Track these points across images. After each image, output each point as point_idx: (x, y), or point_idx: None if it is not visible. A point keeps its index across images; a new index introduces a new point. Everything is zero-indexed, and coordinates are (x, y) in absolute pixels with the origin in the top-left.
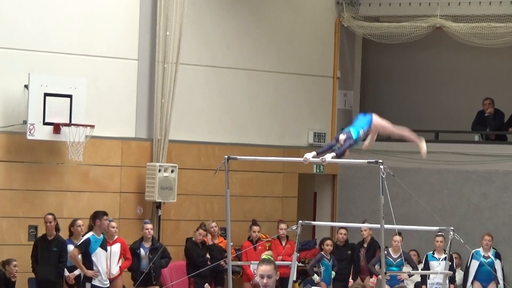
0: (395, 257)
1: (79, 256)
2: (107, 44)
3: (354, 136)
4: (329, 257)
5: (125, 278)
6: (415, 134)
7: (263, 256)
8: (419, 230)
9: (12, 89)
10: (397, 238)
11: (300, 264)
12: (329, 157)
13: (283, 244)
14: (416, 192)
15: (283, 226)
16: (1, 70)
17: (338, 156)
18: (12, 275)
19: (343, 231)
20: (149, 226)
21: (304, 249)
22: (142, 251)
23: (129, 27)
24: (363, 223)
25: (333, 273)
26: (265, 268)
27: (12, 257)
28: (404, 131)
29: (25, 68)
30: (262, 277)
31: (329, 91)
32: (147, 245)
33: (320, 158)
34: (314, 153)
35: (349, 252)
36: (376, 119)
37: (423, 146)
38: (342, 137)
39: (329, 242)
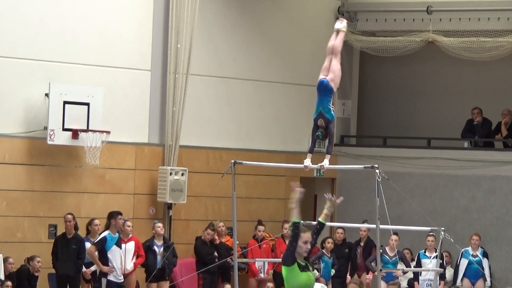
0: (391, 255)
1: (96, 253)
2: (122, 56)
3: (330, 117)
4: (329, 255)
5: (139, 274)
6: None
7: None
8: (412, 230)
9: (34, 97)
10: (394, 237)
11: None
12: (326, 163)
13: (287, 242)
14: (409, 194)
15: (287, 226)
16: (23, 79)
17: (330, 152)
18: (35, 270)
19: (340, 230)
20: (160, 224)
21: None
22: (156, 249)
23: (142, 40)
24: (363, 223)
25: (333, 270)
26: (308, 235)
27: (33, 254)
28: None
29: (46, 77)
30: (306, 242)
31: None
32: (160, 242)
33: (319, 165)
34: (309, 156)
35: (347, 250)
36: (328, 78)
37: None
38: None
39: (329, 240)
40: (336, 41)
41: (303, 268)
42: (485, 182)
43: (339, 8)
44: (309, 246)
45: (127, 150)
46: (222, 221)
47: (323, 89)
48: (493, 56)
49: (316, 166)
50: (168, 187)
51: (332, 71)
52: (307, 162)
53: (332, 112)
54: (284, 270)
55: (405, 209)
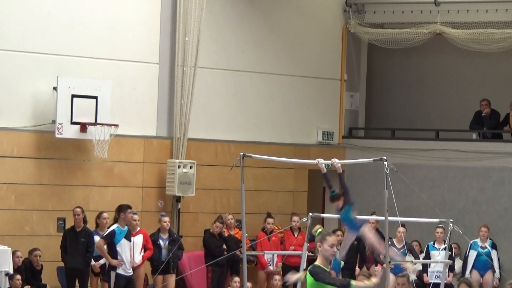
0: (399, 247)
1: (105, 247)
2: (130, 49)
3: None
4: (339, 247)
5: (147, 267)
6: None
7: (319, 229)
8: (421, 222)
9: (42, 91)
10: (401, 229)
11: (310, 254)
12: (337, 160)
13: (296, 235)
14: (418, 186)
15: (296, 218)
16: (31, 73)
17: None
18: (36, 264)
19: None
20: (166, 219)
21: (313, 239)
22: (161, 242)
23: (150, 33)
24: (372, 215)
25: (342, 262)
26: (334, 238)
27: (42, 247)
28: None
29: (54, 71)
30: (332, 246)
31: (336, 93)
32: (165, 236)
33: (331, 160)
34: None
35: (356, 242)
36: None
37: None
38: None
39: (339, 232)
40: None
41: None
42: (494, 174)
43: (346, 0)
44: (335, 249)
45: (136, 143)
46: (231, 213)
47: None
48: (501, 47)
49: (327, 161)
50: (176, 180)
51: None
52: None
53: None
54: (309, 279)
55: (414, 201)
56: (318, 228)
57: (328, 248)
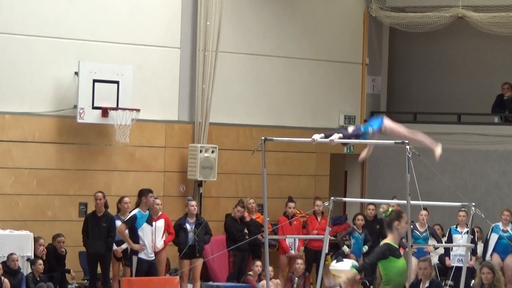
0: (421, 230)
1: (126, 231)
2: (151, 34)
3: (362, 129)
4: (360, 231)
5: (169, 252)
6: (429, 138)
7: (390, 209)
8: (443, 206)
9: (63, 76)
10: (423, 212)
11: (332, 238)
12: (336, 137)
13: (319, 219)
14: (440, 170)
15: (319, 202)
16: (53, 58)
17: (344, 137)
18: (60, 249)
19: (371, 206)
20: (193, 203)
21: (336, 223)
22: (188, 226)
23: (172, 17)
24: (392, 199)
25: (366, 247)
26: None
27: (64, 232)
28: (418, 135)
29: (75, 56)
30: (407, 222)
31: (358, 77)
32: (192, 220)
33: (329, 139)
34: (322, 134)
35: (378, 226)
36: (387, 122)
37: (438, 150)
38: (351, 128)
39: (360, 217)
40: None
41: (398, 255)
42: None
43: None
44: (408, 225)
45: (157, 128)
46: (252, 198)
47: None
48: None
49: (325, 140)
50: (198, 164)
51: (393, 130)
52: (317, 136)
53: (367, 130)
54: (380, 263)
55: (436, 185)
56: (388, 208)
57: (405, 225)
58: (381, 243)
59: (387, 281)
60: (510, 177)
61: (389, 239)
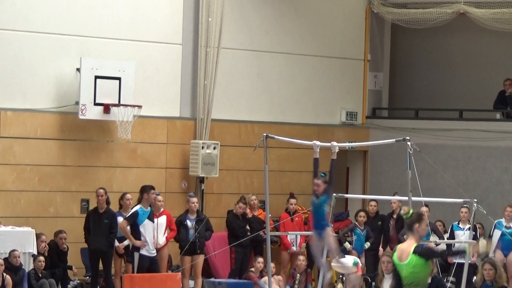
0: None
1: (128, 228)
2: (153, 30)
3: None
4: (362, 228)
5: (171, 248)
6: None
7: (411, 211)
8: (445, 202)
9: (65, 72)
10: (424, 209)
11: (334, 234)
12: (335, 143)
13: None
14: (441, 167)
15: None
16: (55, 54)
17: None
18: (62, 245)
19: (373, 203)
20: (194, 199)
21: (337, 220)
22: (188, 223)
23: (173, 14)
24: (394, 195)
25: (368, 243)
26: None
27: (65, 228)
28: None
29: (77, 52)
30: (427, 225)
31: (360, 73)
32: (193, 216)
33: (330, 143)
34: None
35: (379, 223)
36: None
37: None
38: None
39: (362, 213)
40: None
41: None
42: None
43: None
44: (428, 228)
45: (159, 124)
46: (254, 194)
47: None
48: None
49: (326, 144)
50: (200, 161)
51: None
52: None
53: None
54: (417, 261)
55: (437, 181)
56: (409, 210)
57: (425, 228)
58: (413, 246)
59: (416, 283)
60: None
61: (413, 242)
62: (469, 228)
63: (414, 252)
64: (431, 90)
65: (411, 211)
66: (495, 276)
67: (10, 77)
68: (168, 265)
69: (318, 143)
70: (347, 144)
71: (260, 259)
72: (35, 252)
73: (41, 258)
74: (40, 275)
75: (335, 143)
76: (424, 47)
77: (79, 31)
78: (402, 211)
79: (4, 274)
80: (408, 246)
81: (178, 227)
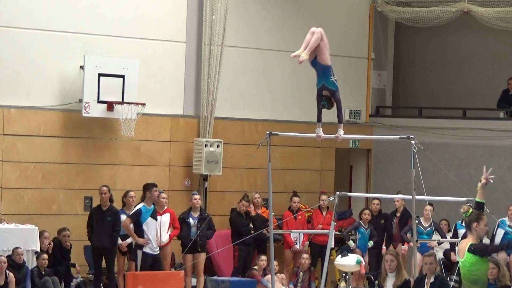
0: (425, 225)
1: (131, 225)
2: (157, 28)
3: (334, 88)
4: (366, 226)
5: (174, 246)
6: None
7: (470, 210)
8: (448, 200)
9: (69, 70)
10: (428, 207)
11: (337, 233)
12: (341, 133)
13: (324, 214)
14: (445, 165)
15: (324, 197)
16: (58, 52)
17: (342, 121)
18: (65, 243)
19: (376, 201)
20: (197, 197)
21: (341, 218)
22: (191, 220)
23: (177, 11)
24: (397, 194)
25: (371, 242)
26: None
27: (69, 226)
28: None
29: (81, 50)
30: (486, 225)
31: (364, 71)
32: (196, 214)
33: (334, 135)
34: (319, 125)
35: (383, 221)
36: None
37: None
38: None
39: (366, 211)
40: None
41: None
42: None
43: None
44: (487, 228)
45: (162, 122)
46: (257, 192)
47: (319, 68)
48: None
49: (331, 136)
50: (203, 159)
51: (320, 52)
52: (319, 131)
53: (335, 83)
54: (472, 258)
55: (441, 179)
56: (469, 209)
57: (484, 227)
58: (468, 245)
59: (474, 280)
60: None
61: (470, 241)
62: None
63: (469, 250)
64: (434, 88)
65: (470, 210)
66: (498, 275)
67: (14, 74)
68: (171, 263)
69: (322, 135)
70: (351, 136)
71: (263, 257)
72: (38, 250)
73: (44, 255)
74: (43, 272)
75: (341, 132)
76: (428, 45)
77: (83, 29)
78: (461, 210)
79: (7, 272)
80: (465, 244)
81: (180, 224)
